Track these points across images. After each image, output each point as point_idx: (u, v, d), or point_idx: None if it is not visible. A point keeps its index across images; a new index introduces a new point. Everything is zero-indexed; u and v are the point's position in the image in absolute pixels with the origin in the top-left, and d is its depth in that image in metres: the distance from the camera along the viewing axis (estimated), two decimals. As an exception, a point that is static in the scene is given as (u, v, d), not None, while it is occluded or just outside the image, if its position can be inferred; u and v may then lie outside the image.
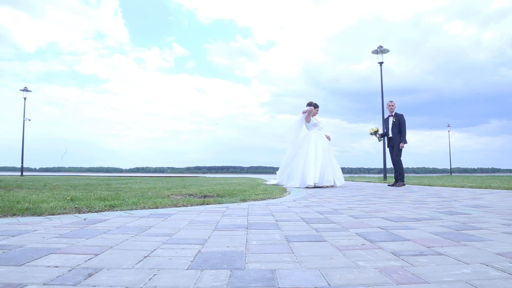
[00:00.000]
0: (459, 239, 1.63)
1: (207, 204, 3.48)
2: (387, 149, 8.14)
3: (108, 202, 3.17)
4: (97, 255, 1.32)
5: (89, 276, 1.05)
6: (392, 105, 7.84)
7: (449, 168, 40.62)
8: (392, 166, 8.08)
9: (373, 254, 1.35)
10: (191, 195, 4.81)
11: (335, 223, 2.19)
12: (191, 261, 1.24)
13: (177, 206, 3.18)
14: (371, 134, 8.22)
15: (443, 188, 7.02)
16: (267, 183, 8.31)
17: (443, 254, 1.34)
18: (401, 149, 7.68)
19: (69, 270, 1.10)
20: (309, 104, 7.80)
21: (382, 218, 2.43)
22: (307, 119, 7.57)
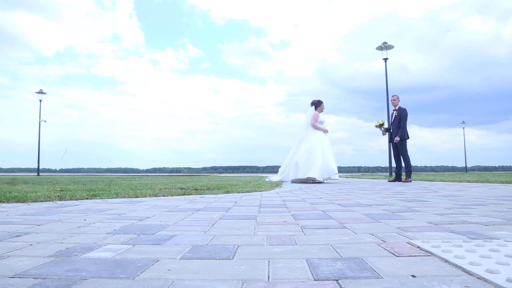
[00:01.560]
0: (380, 218, 1.76)
1: (188, 195, 3.68)
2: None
3: (93, 192, 3.40)
4: (39, 225, 1.52)
5: (17, 236, 1.24)
6: (394, 100, 7.79)
7: (468, 166, 39.72)
8: (394, 162, 8.05)
9: (283, 227, 1.50)
10: (183, 188, 5.00)
11: (287, 207, 2.34)
12: (113, 230, 1.42)
13: (156, 196, 3.38)
14: (376, 126, 8.21)
15: (440, 183, 7.02)
16: (268, 179, 8.43)
17: (346, 228, 1.48)
18: (405, 144, 7.59)
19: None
20: (312, 103, 7.87)
21: (337, 204, 2.56)
22: (314, 125, 7.54)
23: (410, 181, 7.57)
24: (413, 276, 0.79)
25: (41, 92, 21.40)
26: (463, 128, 39.14)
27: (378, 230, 1.41)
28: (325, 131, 7.56)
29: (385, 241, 1.18)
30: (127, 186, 5.06)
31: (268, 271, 0.84)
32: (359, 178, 13.05)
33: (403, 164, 7.86)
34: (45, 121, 21.91)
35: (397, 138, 7.52)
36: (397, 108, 7.73)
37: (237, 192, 4.20)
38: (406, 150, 7.64)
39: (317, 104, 7.82)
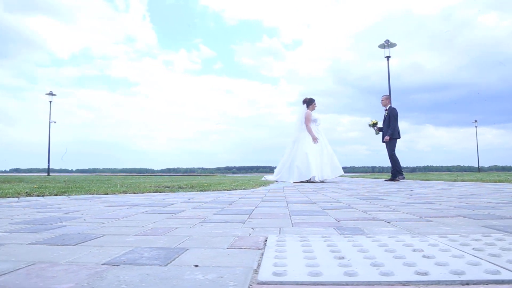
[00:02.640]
0: (297, 214, 1.81)
1: (161, 192, 3.78)
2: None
3: (64, 190, 3.55)
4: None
5: None
6: (383, 100, 7.78)
7: (486, 166, 38.98)
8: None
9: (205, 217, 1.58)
10: (167, 187, 5.13)
11: (242, 207, 2.41)
12: (19, 221, 1.52)
13: (126, 194, 3.49)
14: (370, 126, 8.17)
15: (432, 182, 6.97)
16: (264, 179, 8.43)
17: (245, 223, 1.55)
18: (395, 144, 7.59)
19: None
20: (304, 101, 7.85)
21: (289, 202, 2.62)
22: (307, 127, 7.52)
23: (403, 178, 7.53)
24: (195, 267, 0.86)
25: (51, 93, 22.04)
26: (476, 127, 38.47)
27: (269, 225, 1.46)
28: (314, 139, 7.47)
29: (241, 237, 1.22)
30: (112, 185, 5.21)
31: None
32: (363, 178, 12.97)
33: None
34: (55, 122, 22.58)
35: (386, 137, 7.50)
36: (387, 108, 7.70)
37: (213, 191, 4.28)
38: (394, 150, 7.62)
39: (309, 102, 7.79)
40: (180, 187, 5.02)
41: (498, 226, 1.38)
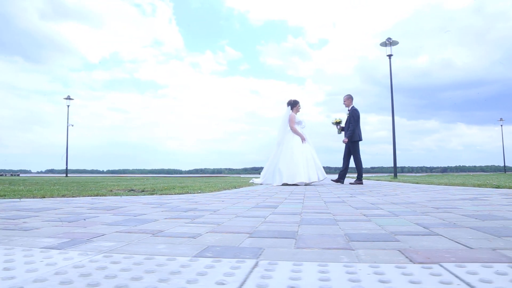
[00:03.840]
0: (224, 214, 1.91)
1: (116, 195, 3.96)
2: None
3: (38, 192, 3.86)
4: None
5: None
6: (345, 100, 7.74)
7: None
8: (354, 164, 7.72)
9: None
10: (132, 190, 5.33)
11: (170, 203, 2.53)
12: None
13: (82, 197, 3.69)
14: (333, 123, 8.11)
15: (408, 184, 6.86)
16: (252, 181, 8.48)
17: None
18: (357, 146, 7.51)
19: None
20: (288, 103, 7.85)
21: (227, 204, 2.71)
22: (293, 129, 7.53)
23: (361, 183, 7.36)
24: None
25: (68, 98, 23.09)
26: (501, 125, 36.96)
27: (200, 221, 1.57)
28: (303, 139, 7.48)
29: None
30: (87, 187, 5.48)
31: None
32: (369, 179, 12.74)
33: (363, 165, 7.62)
34: (72, 125, 23.56)
35: (344, 139, 7.49)
36: (350, 108, 7.64)
37: (167, 194, 4.41)
38: (357, 153, 7.53)
39: (293, 104, 7.77)
40: (142, 191, 5.17)
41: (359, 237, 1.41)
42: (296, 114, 7.76)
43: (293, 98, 7.89)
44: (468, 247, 1.13)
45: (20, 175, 44.76)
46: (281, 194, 4.17)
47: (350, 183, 7.41)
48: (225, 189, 5.40)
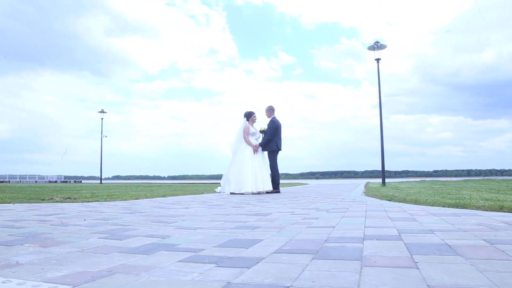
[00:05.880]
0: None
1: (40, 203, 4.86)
2: None
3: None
4: None
5: None
6: (266, 112, 8.21)
7: None
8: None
9: None
10: (68, 197, 6.19)
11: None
12: None
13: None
14: (260, 132, 8.28)
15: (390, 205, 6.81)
16: (215, 190, 8.77)
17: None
18: (273, 156, 7.89)
19: None
20: (245, 115, 8.25)
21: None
22: (245, 139, 7.86)
23: (278, 192, 7.75)
24: None
25: (102, 111, 25.53)
26: None
27: None
28: (255, 149, 7.79)
29: None
30: (41, 193, 6.53)
31: None
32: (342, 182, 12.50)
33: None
34: (106, 136, 25.85)
35: (255, 146, 7.75)
36: (270, 119, 8.05)
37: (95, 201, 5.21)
38: (274, 162, 7.89)
39: (248, 116, 8.05)
40: (74, 198, 6.06)
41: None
42: (252, 125, 8.15)
43: (248, 110, 8.23)
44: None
45: (82, 181, 49.64)
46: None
47: (267, 192, 7.57)
48: (163, 196, 6.10)
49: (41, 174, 55.09)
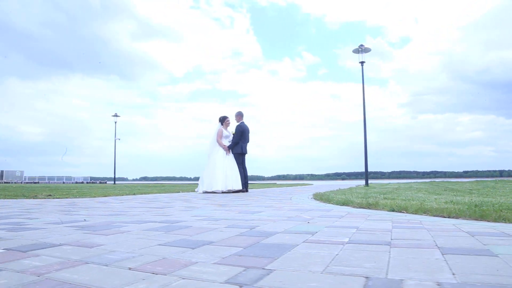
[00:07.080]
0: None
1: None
2: None
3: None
4: None
5: None
6: (235, 117, 8.73)
7: None
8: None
9: None
10: (50, 195, 6.81)
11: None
12: None
13: None
14: (233, 134, 8.71)
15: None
16: (196, 189, 9.24)
17: None
18: (239, 158, 8.36)
19: None
20: (219, 119, 8.69)
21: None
22: (218, 142, 8.37)
23: (245, 191, 8.29)
24: None
25: (116, 115, 26.52)
26: None
27: None
28: (226, 151, 8.28)
29: None
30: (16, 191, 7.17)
31: None
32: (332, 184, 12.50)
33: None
34: (119, 139, 26.77)
35: (225, 147, 8.28)
36: (238, 123, 8.57)
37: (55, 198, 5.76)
38: (240, 164, 8.36)
39: (222, 120, 8.56)
40: (49, 195, 6.63)
41: None
42: (226, 128, 8.58)
43: (222, 115, 8.70)
44: None
45: (107, 182, 51.67)
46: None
47: (235, 191, 8.02)
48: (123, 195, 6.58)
49: (68, 176, 57.79)
